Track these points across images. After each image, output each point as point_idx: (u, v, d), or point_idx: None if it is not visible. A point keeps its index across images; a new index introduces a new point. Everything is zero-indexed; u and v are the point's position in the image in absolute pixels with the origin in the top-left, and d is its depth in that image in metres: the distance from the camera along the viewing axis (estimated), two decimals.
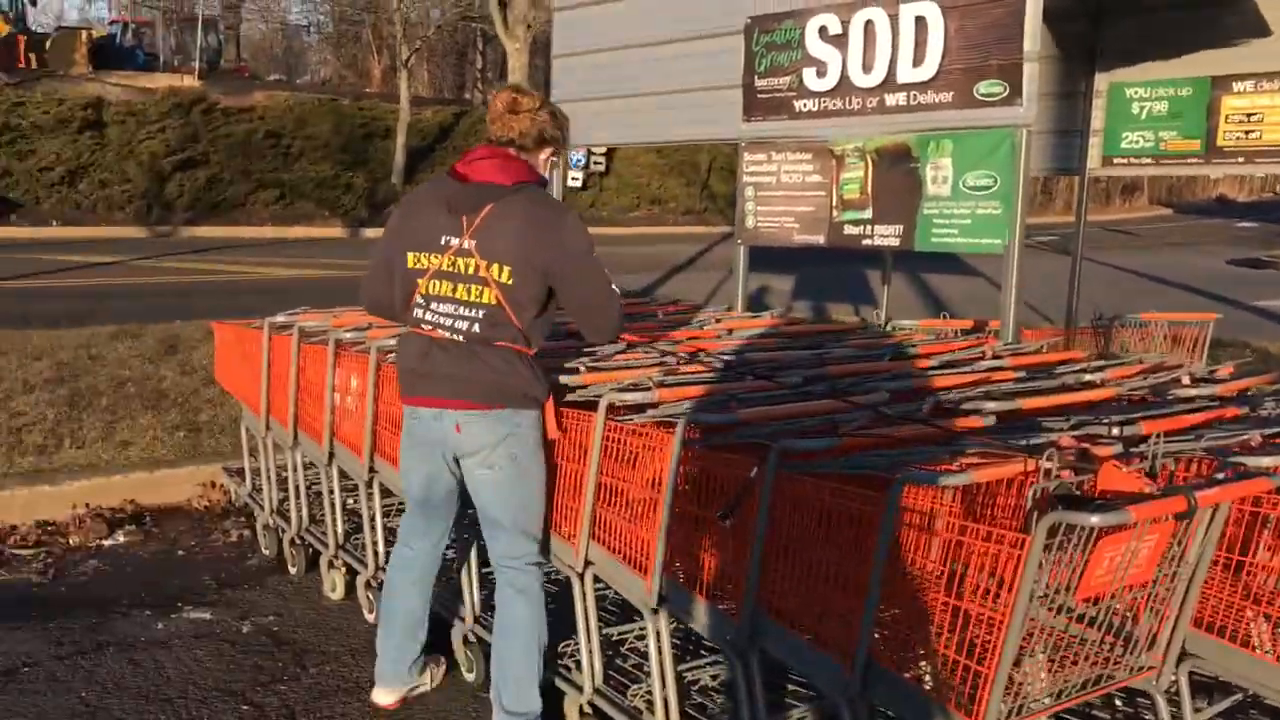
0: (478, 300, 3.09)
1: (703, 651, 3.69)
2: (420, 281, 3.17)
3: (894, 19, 4.81)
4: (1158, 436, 2.43)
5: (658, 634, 3.10)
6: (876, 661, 2.47)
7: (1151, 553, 2.35)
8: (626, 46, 6.34)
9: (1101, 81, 7.22)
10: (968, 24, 4.59)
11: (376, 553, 4.32)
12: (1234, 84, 6.67)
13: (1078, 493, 2.26)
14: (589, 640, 3.34)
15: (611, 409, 3.15)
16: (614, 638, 3.73)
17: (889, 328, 5.26)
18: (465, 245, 3.09)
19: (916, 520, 2.72)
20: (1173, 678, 2.71)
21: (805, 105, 5.27)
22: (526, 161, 3.20)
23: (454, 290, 3.12)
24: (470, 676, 3.80)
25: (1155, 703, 2.66)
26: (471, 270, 3.09)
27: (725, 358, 3.84)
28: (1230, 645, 2.72)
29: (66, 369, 7.36)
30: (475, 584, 3.76)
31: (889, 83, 4.89)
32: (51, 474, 5.54)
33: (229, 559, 5.08)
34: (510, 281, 3.05)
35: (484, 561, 3.56)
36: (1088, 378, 3.67)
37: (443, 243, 3.12)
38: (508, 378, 3.10)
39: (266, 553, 5.11)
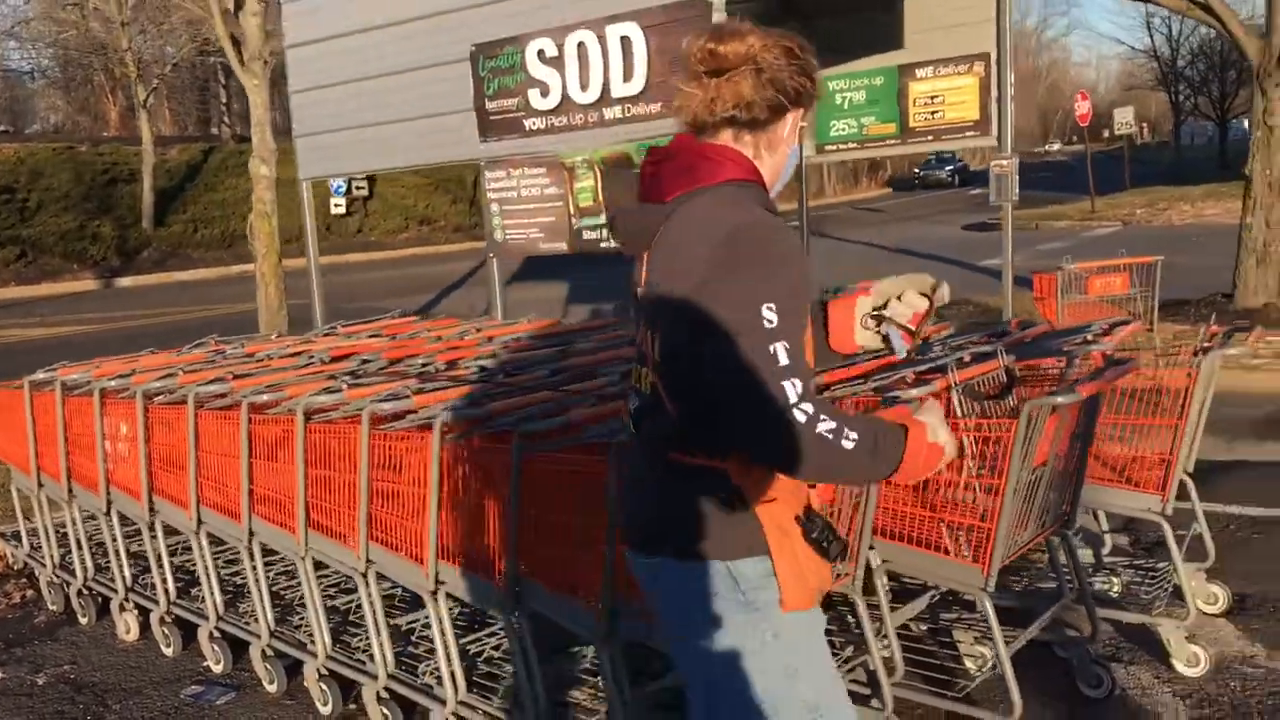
0: (638, 386, 2.07)
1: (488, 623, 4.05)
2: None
3: (602, 39, 5.30)
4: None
5: (439, 615, 3.42)
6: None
7: None
8: (364, 78, 6.63)
9: None
10: (666, 40, 5.13)
11: (167, 590, 4.46)
12: (916, 71, 7.54)
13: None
14: (378, 633, 3.62)
15: (375, 419, 3.44)
16: (403, 628, 4.04)
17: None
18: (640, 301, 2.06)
19: None
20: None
21: (534, 123, 5.71)
22: (725, 151, 1.97)
23: (633, 375, 2.11)
24: None
25: (855, 605, 3.19)
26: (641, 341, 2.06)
27: (480, 363, 4.20)
28: (912, 547, 3.29)
29: None
30: None
31: (605, 98, 5.38)
32: None
33: (14, 620, 5.08)
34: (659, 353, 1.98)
35: None
36: None
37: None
38: (665, 505, 2.02)
39: (54, 608, 5.14)
